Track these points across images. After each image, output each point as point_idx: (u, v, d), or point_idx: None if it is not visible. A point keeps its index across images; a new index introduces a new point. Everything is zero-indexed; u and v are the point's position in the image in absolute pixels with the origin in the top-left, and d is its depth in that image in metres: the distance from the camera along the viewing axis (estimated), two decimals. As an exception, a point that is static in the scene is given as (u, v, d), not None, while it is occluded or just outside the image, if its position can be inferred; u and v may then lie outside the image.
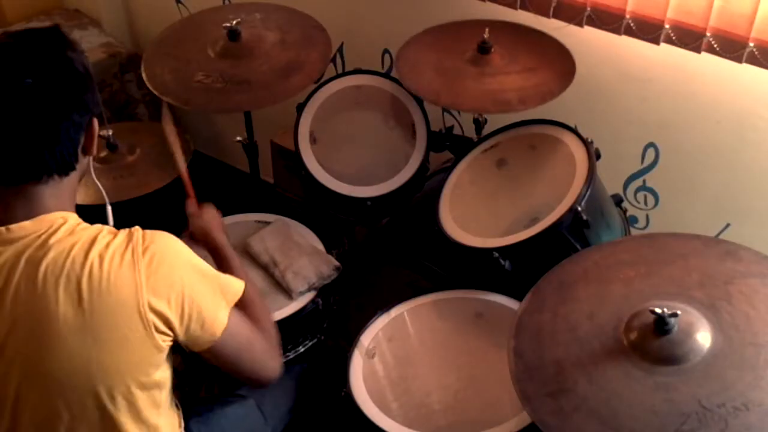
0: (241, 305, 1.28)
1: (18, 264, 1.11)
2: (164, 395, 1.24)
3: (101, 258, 1.11)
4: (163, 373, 1.21)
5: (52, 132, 1.13)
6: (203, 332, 1.19)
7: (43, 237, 1.12)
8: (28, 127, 1.12)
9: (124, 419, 1.17)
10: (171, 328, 1.15)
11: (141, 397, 1.18)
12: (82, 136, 1.18)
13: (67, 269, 1.10)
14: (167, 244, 1.18)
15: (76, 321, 1.10)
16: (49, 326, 1.10)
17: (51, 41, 1.16)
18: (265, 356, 1.31)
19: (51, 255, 1.11)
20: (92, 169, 1.30)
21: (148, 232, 1.18)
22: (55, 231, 1.13)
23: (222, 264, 1.46)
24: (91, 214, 1.46)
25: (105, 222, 1.41)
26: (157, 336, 1.14)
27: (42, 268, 1.10)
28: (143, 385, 1.17)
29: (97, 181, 1.38)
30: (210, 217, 1.56)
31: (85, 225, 1.17)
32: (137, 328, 1.12)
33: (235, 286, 1.27)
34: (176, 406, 1.37)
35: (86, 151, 1.21)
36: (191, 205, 1.59)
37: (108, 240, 1.14)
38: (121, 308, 1.11)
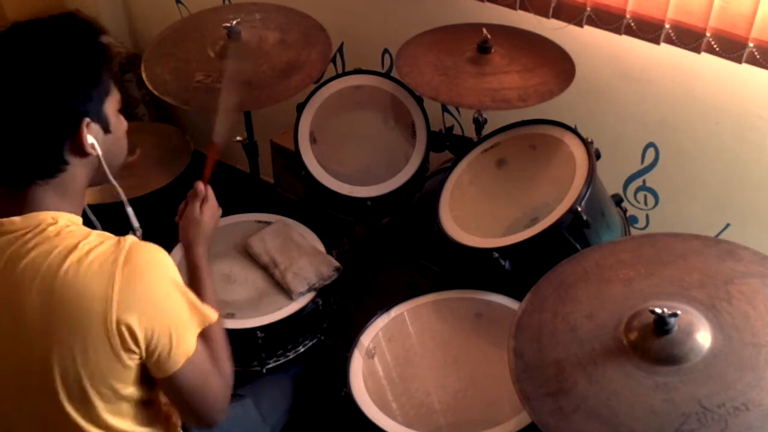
0: (207, 342, 1.23)
1: (1, 259, 1.11)
2: (131, 407, 1.20)
3: (78, 264, 1.08)
4: (132, 391, 1.17)
5: (21, 141, 1.10)
6: (168, 358, 1.14)
7: (29, 235, 1.11)
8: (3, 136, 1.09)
9: (84, 423, 1.15)
10: (138, 346, 1.11)
11: (99, 404, 1.15)
12: (66, 139, 1.13)
13: (43, 271, 1.08)
14: (153, 260, 1.13)
15: (42, 323, 1.08)
16: (18, 324, 1.10)
17: (38, 40, 1.12)
18: (217, 398, 1.24)
19: (32, 255, 1.09)
20: (107, 170, 1.21)
21: (138, 243, 1.13)
22: (42, 230, 1.11)
23: (193, 282, 1.38)
24: (110, 212, 1.43)
25: (129, 224, 1.35)
26: (123, 353, 1.11)
27: (21, 266, 1.09)
28: (103, 396, 1.14)
29: (114, 182, 1.26)
30: (206, 223, 1.45)
31: (75, 228, 1.14)
32: (101, 339, 1.09)
33: (208, 313, 1.21)
34: (170, 413, 1.34)
35: (78, 153, 1.15)
36: (196, 195, 1.47)
37: (90, 246, 1.10)
38: (87, 316, 1.07)
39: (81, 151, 1.15)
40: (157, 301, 1.12)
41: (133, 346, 1.11)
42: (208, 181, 1.51)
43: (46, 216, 1.13)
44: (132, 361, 1.13)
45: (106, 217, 1.38)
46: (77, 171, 1.17)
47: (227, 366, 1.29)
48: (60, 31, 1.15)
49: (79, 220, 1.17)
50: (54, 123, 1.11)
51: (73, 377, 1.11)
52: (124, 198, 1.32)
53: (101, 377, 1.12)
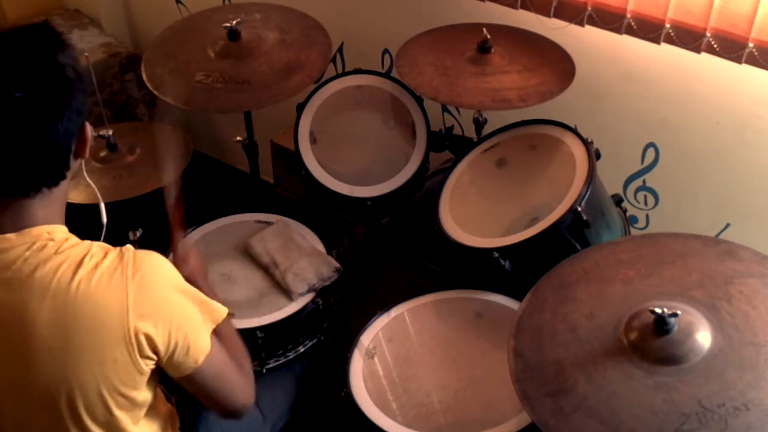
0: (220, 337, 1.25)
1: (3, 278, 1.09)
2: (144, 412, 1.22)
3: (89, 279, 1.09)
4: (145, 395, 1.19)
5: (39, 147, 1.08)
6: (187, 358, 1.17)
7: (28, 253, 1.10)
8: (13, 144, 1.07)
9: None
10: (156, 352, 1.13)
11: (120, 416, 1.16)
12: (74, 144, 1.13)
13: (53, 288, 1.08)
14: (158, 267, 1.15)
15: (59, 339, 1.08)
16: (31, 343, 1.08)
17: (40, 45, 1.10)
18: (237, 389, 1.27)
19: (38, 273, 1.08)
20: (84, 170, 1.26)
21: (140, 253, 1.14)
22: (42, 247, 1.10)
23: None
24: (86, 212, 1.46)
25: (99, 220, 1.40)
26: (141, 360, 1.12)
27: (27, 285, 1.08)
28: (122, 406, 1.16)
29: (90, 182, 1.36)
30: (196, 266, 1.47)
31: (73, 241, 1.14)
32: (121, 350, 1.10)
33: (219, 310, 1.23)
34: (169, 412, 1.35)
35: (78, 156, 1.16)
36: (177, 244, 1.49)
37: (97, 261, 1.11)
38: (107, 330, 1.08)
39: (80, 154, 1.16)
40: (171, 306, 1.14)
41: (150, 353, 1.13)
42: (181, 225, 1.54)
43: (41, 231, 1.12)
44: (148, 367, 1.15)
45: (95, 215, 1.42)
46: (69, 176, 1.17)
47: (243, 358, 1.33)
48: (53, 39, 1.13)
49: (66, 229, 1.17)
50: (70, 127, 1.11)
51: (94, 393, 1.12)
52: (98, 195, 1.41)
53: (120, 388, 1.13)
